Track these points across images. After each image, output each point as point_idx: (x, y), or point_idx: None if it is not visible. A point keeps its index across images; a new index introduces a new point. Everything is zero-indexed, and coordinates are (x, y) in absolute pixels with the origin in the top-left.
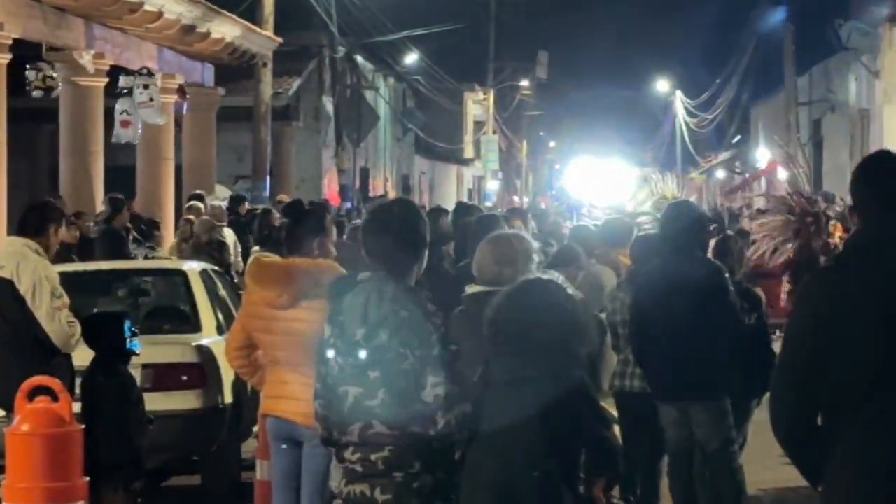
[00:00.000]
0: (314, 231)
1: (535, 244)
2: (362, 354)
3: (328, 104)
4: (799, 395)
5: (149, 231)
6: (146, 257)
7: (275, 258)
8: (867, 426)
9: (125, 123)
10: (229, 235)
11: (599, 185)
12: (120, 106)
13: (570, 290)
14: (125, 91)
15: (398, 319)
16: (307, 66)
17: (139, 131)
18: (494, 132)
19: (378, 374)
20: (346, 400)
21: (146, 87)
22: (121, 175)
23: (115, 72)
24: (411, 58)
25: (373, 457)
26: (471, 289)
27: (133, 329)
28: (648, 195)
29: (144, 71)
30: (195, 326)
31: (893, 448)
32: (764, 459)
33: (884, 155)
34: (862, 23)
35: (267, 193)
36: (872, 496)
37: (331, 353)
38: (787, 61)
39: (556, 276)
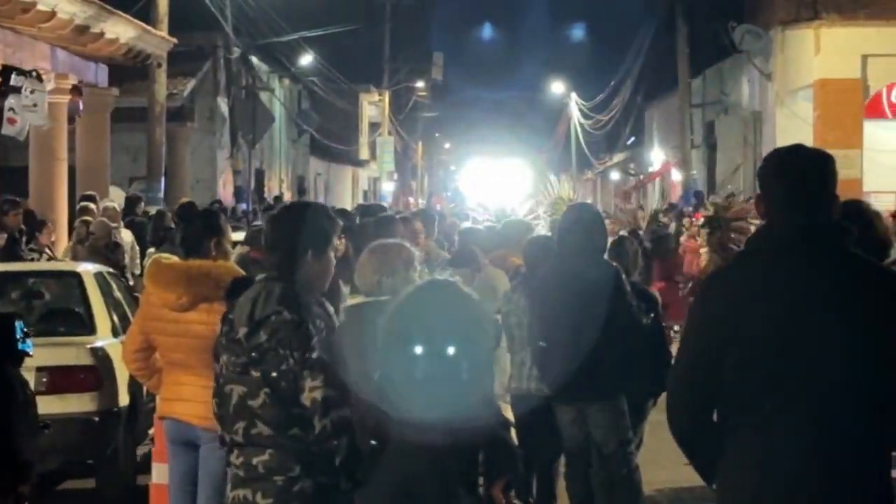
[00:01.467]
0: (210, 232)
1: (417, 252)
2: (242, 353)
3: (223, 105)
4: (695, 394)
5: (31, 233)
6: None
7: (174, 260)
8: (759, 426)
9: (11, 121)
10: (126, 236)
11: (494, 186)
12: (8, 103)
13: (468, 292)
14: (15, 88)
15: (279, 320)
16: (202, 66)
17: (25, 130)
18: (390, 133)
19: (259, 374)
20: (231, 398)
21: (33, 91)
22: (14, 176)
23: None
24: (306, 59)
25: (254, 461)
26: (352, 300)
27: (25, 330)
28: (544, 196)
29: (34, 74)
30: (90, 329)
31: (783, 448)
32: (660, 459)
33: (797, 151)
34: (755, 26)
35: (162, 195)
36: (762, 496)
37: (220, 351)
38: (681, 63)
39: (456, 278)
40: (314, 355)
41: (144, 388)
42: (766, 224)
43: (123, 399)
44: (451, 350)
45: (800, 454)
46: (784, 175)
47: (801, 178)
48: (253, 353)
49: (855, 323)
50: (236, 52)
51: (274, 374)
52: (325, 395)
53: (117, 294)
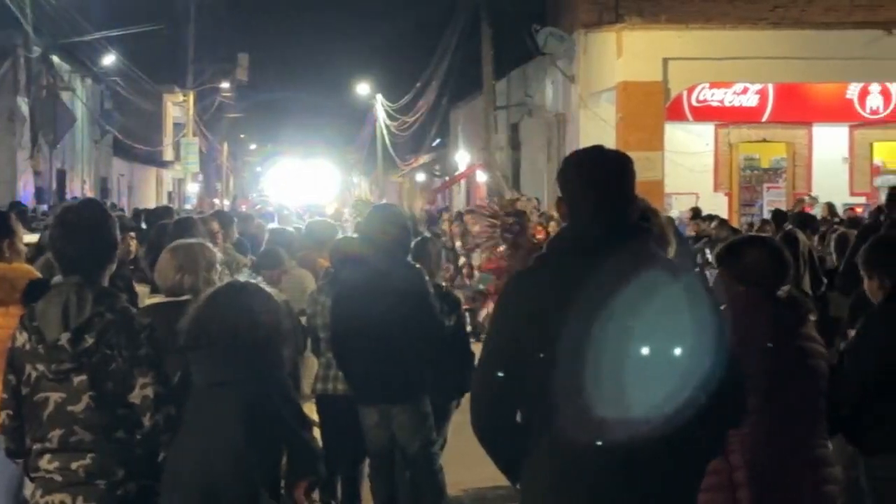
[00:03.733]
0: (1, 233)
1: (219, 254)
2: (67, 359)
3: (23, 105)
4: (499, 394)
5: None
6: None
7: None
8: (563, 426)
9: None
10: None
11: (301, 187)
12: None
13: (271, 293)
14: None
15: (105, 321)
16: (0, 65)
17: None
18: (194, 134)
19: (84, 377)
20: (46, 407)
21: None
22: None
23: None
24: (109, 59)
25: (73, 465)
26: (150, 299)
27: None
28: (349, 197)
29: None
30: None
31: (588, 447)
32: (464, 460)
33: (596, 152)
34: (558, 29)
35: None
36: (564, 496)
37: (25, 360)
38: (485, 65)
39: (258, 279)
40: (143, 352)
41: None
42: (568, 225)
43: None
44: (247, 349)
45: (604, 452)
46: (584, 176)
47: (601, 179)
48: (82, 359)
49: (658, 321)
50: (36, 51)
51: (101, 377)
52: (156, 391)
53: None
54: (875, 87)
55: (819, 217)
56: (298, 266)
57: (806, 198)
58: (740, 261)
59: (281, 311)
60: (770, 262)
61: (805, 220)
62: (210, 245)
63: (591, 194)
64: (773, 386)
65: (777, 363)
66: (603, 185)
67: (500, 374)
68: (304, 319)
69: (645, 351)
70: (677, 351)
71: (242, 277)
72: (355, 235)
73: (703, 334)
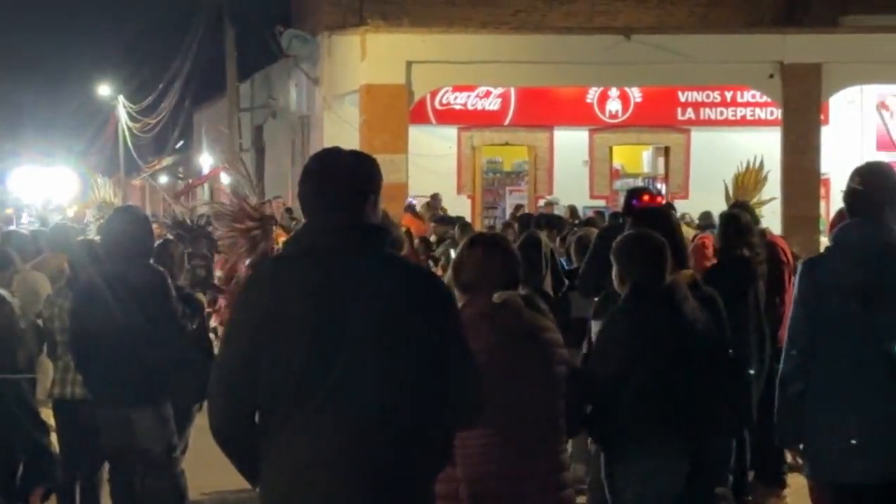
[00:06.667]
0: None
1: None
2: None
3: None
4: (235, 397)
5: None
6: None
7: None
8: (298, 429)
9: None
10: None
11: (41, 188)
12: None
13: (3, 295)
14: None
15: None
16: None
17: None
18: None
19: None
20: None
21: None
22: None
23: None
24: None
25: None
26: None
27: None
28: (91, 200)
29: None
30: None
31: (324, 448)
32: (206, 463)
33: (332, 153)
34: (302, 31)
35: None
36: (303, 496)
37: None
38: (229, 67)
39: None
40: None
41: None
42: (305, 225)
43: None
44: None
45: (341, 453)
46: (317, 177)
47: (334, 180)
48: None
49: (391, 320)
50: None
51: None
52: None
53: None
54: (614, 92)
55: None
56: (36, 269)
57: (544, 200)
58: (463, 264)
59: (14, 313)
60: (492, 263)
61: (552, 221)
62: None
63: (323, 195)
64: (503, 396)
65: (506, 372)
66: (335, 186)
67: (236, 376)
68: (39, 322)
69: (373, 354)
70: (407, 353)
71: None
72: (97, 238)
73: (435, 336)
